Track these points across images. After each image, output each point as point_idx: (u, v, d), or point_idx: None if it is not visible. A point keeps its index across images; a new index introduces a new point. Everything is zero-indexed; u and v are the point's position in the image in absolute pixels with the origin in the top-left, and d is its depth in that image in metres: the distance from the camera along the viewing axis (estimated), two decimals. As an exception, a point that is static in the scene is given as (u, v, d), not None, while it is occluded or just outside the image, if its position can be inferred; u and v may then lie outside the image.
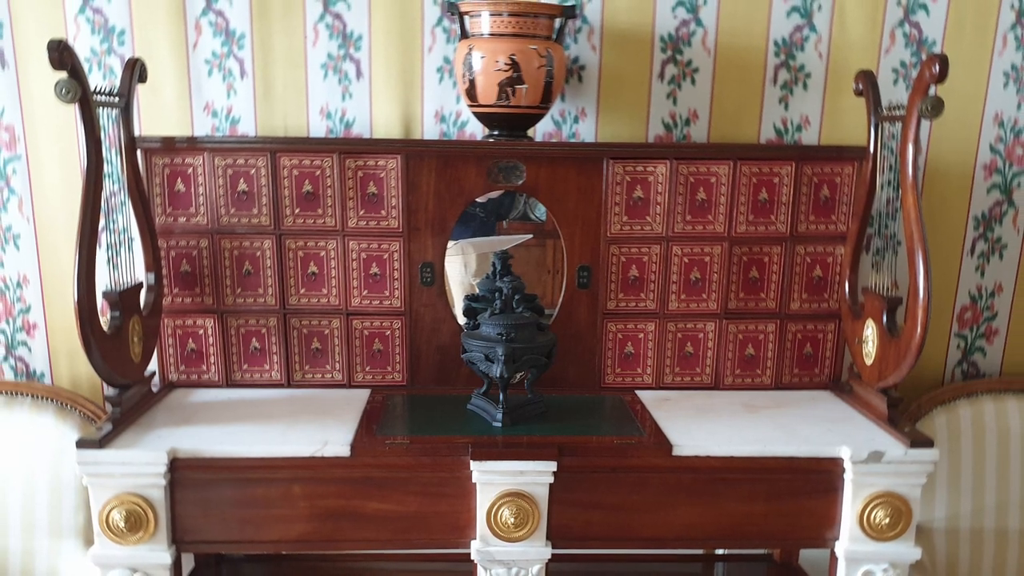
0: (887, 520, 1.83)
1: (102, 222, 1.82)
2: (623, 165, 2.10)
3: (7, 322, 2.31)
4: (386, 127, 2.22)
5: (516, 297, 1.95)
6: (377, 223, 2.11)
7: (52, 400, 2.22)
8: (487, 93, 2.00)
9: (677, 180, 2.11)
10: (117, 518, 1.75)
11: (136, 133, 2.02)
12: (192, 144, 2.06)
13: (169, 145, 2.05)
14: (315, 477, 1.80)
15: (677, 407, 2.09)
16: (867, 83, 2.03)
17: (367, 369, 2.19)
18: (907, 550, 1.86)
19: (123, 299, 1.89)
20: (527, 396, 1.99)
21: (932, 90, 1.78)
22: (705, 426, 1.96)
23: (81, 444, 1.75)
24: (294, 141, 2.12)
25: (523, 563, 1.83)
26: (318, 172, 2.07)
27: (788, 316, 2.20)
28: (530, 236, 2.25)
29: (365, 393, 2.15)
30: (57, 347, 2.31)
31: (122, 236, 1.93)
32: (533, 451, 1.81)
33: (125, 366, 1.89)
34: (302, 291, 2.14)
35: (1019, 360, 2.43)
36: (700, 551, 2.48)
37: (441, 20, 2.17)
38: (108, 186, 1.86)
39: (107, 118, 1.86)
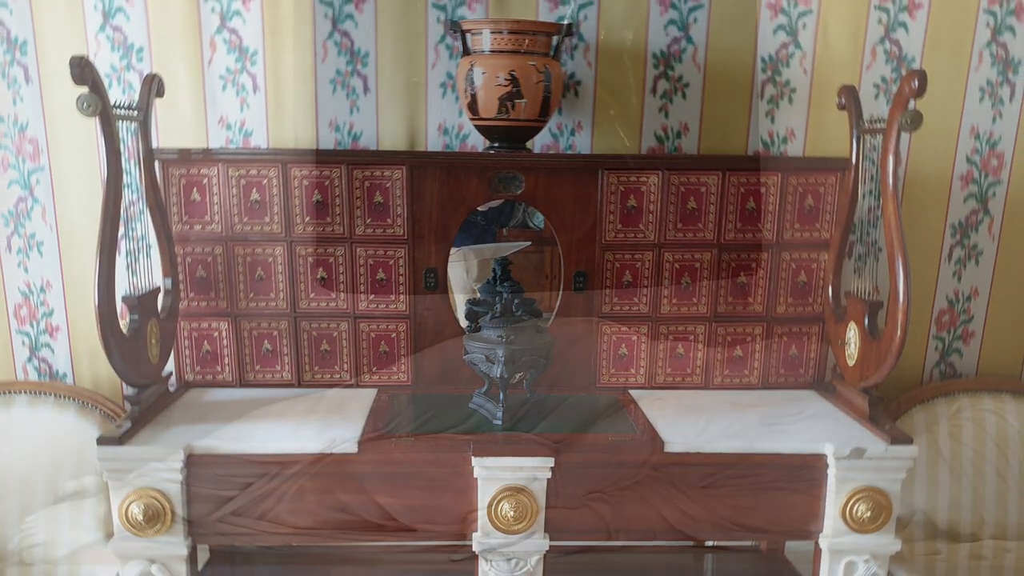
0: (868, 513, 1.86)
1: (121, 230, 1.86)
2: (617, 175, 2.14)
3: (31, 325, 2.35)
4: (392, 140, 2.26)
5: (515, 301, 1.99)
6: (383, 231, 2.15)
7: (74, 399, 2.26)
8: (488, 107, 2.05)
9: (669, 190, 2.15)
10: (136, 511, 1.79)
11: (154, 145, 2.06)
12: (207, 156, 2.10)
13: (185, 157, 2.10)
14: (324, 472, 1.84)
15: (668, 406, 2.13)
16: (849, 97, 2.07)
17: (373, 370, 2.22)
18: (888, 542, 1.90)
19: (141, 303, 1.93)
20: (526, 395, 2.03)
21: (911, 104, 1.82)
22: (695, 424, 2.00)
23: (102, 441, 1.80)
24: (304, 153, 2.15)
25: (522, 554, 1.87)
26: (327, 182, 2.11)
27: (774, 319, 2.25)
28: (529, 243, 2.29)
29: (372, 393, 2.19)
30: (79, 349, 2.35)
31: (140, 243, 1.98)
32: (532, 448, 1.85)
33: (143, 367, 1.93)
34: (311, 295, 2.18)
35: (994, 361, 2.47)
36: (690, 543, 2.50)
37: (444, 38, 2.21)
38: (127, 196, 1.90)
39: (126, 131, 1.91)
